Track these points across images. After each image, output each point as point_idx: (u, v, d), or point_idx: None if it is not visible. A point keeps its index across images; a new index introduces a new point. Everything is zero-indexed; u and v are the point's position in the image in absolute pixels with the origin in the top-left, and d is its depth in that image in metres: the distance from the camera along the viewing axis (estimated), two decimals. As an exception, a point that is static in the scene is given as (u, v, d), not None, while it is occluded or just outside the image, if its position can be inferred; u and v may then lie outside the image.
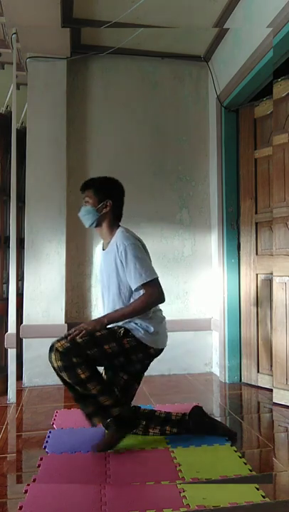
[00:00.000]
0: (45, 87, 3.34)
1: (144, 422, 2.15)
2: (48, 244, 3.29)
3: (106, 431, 2.07)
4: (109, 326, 2.05)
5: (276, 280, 2.85)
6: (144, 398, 2.78)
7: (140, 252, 2.08)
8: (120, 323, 2.08)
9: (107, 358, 2.02)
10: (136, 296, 2.09)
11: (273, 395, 2.76)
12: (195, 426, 2.15)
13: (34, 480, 1.77)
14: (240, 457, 1.96)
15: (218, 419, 2.40)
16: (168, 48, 3.49)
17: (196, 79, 3.70)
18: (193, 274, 3.62)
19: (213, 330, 3.54)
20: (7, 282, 3.04)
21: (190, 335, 3.53)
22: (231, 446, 2.08)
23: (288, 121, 2.81)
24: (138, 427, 2.14)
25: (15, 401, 2.82)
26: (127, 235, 2.12)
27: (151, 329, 2.07)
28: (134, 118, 3.59)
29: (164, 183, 3.60)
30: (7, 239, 3.17)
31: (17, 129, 3.13)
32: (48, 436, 2.21)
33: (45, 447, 2.09)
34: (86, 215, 2.19)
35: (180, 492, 1.66)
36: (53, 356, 1.91)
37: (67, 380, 1.95)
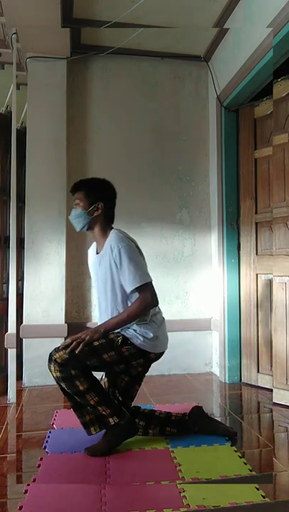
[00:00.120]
0: (45, 87, 3.34)
1: (143, 423, 2.14)
2: (48, 244, 3.28)
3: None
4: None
5: (276, 280, 2.85)
6: (144, 398, 2.78)
7: (135, 254, 2.03)
8: (118, 331, 2.03)
9: (107, 367, 2.01)
10: (133, 298, 2.04)
11: (273, 395, 2.76)
12: (195, 426, 2.15)
13: (34, 480, 1.77)
14: (240, 457, 1.96)
15: (218, 419, 2.40)
16: (168, 47, 3.49)
17: (196, 79, 3.70)
18: (193, 274, 3.62)
19: (213, 330, 3.54)
20: (7, 282, 3.04)
21: (190, 335, 3.53)
22: (231, 446, 2.08)
23: (288, 121, 2.81)
24: (137, 430, 2.12)
25: (15, 401, 2.82)
26: (121, 237, 2.07)
27: (150, 335, 2.02)
28: (134, 118, 3.59)
29: (164, 183, 3.60)
30: (7, 239, 3.17)
31: (17, 129, 3.14)
32: (48, 436, 2.21)
33: (45, 447, 2.09)
34: (77, 219, 2.13)
35: (180, 492, 1.66)
36: (52, 367, 1.90)
37: (66, 390, 1.94)
